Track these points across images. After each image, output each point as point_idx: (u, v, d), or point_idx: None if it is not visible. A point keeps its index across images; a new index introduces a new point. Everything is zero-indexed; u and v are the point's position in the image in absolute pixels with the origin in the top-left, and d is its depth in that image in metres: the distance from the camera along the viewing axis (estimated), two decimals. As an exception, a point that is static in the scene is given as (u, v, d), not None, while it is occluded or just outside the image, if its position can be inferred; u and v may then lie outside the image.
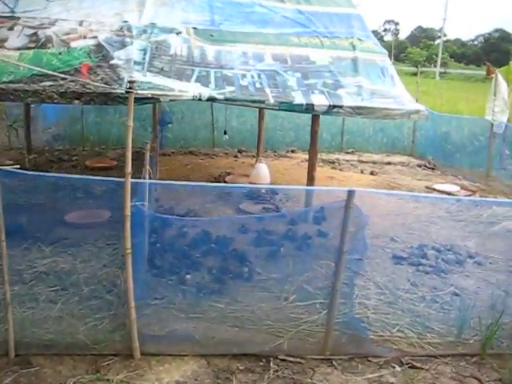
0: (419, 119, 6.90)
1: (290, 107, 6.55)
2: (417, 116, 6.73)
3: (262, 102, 6.41)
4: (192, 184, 5.35)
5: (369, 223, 4.86)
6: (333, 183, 10.90)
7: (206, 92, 6.19)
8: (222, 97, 6.23)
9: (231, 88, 6.41)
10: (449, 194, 10.58)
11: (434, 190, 10.85)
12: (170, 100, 6.19)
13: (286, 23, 7.82)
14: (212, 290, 5.45)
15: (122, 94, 5.56)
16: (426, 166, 13.46)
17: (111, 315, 4.81)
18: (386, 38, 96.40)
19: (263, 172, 9.72)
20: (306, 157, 10.20)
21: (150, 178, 5.58)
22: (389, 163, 13.75)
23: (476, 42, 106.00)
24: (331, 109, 6.51)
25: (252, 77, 6.74)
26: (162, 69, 6.43)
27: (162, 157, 11.48)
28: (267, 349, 4.52)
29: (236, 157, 13.36)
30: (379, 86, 7.02)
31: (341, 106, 6.51)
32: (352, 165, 13.30)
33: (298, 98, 6.49)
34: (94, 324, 4.67)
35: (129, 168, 3.94)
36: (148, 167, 5.52)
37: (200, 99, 6.12)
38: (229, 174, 10.96)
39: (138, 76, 6.12)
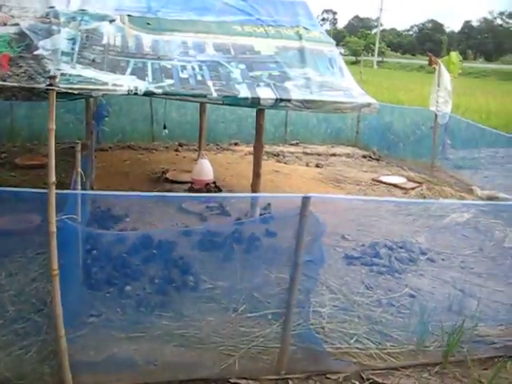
0: (371, 113, 6.60)
1: (235, 101, 6.14)
2: (368, 109, 6.44)
3: (204, 96, 5.96)
4: (128, 194, 4.83)
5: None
6: (278, 177, 10.55)
7: (143, 86, 5.67)
8: (160, 91, 5.73)
9: (170, 81, 5.92)
10: (396, 186, 10.45)
11: (381, 182, 10.69)
12: (103, 95, 5.65)
13: (227, 11, 7.36)
14: (154, 303, 4.98)
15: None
16: (370, 157, 13.32)
17: (40, 341, 4.23)
18: (324, 28, 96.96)
19: (206, 168, 9.24)
20: (250, 149, 9.81)
21: (83, 181, 5.06)
22: (334, 155, 13.53)
23: (411, 32, 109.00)
24: (278, 102, 6.13)
25: (193, 68, 6.26)
26: (93, 60, 5.86)
27: (98, 152, 10.81)
28: (217, 371, 4.10)
29: (177, 151, 12.78)
30: (328, 78, 6.68)
31: (289, 100, 6.13)
32: (297, 157, 12.98)
33: (243, 92, 6.08)
34: (19, 353, 4.09)
35: (52, 177, 3.39)
36: (80, 170, 4.99)
37: (136, 93, 5.60)
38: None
39: (66, 68, 5.55)
